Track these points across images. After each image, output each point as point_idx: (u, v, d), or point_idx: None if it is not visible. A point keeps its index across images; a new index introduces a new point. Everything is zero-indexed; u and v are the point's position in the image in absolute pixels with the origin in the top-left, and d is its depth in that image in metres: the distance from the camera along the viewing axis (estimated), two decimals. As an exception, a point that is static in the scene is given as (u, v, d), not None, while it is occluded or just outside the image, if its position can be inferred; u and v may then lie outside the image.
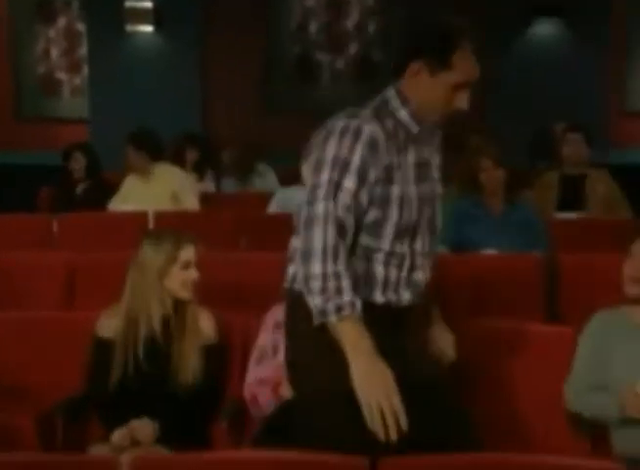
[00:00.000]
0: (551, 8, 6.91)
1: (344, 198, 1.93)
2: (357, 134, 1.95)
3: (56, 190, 5.53)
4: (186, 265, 2.61)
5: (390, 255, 2.01)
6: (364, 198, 1.95)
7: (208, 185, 5.94)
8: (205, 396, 2.59)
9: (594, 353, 2.53)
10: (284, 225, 4.27)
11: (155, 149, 5.09)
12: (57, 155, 5.55)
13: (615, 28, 7.13)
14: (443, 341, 2.24)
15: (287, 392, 2.41)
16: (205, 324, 2.66)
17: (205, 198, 5.32)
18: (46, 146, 7.43)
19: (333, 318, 1.89)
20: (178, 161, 5.65)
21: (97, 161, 5.39)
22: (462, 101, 2.02)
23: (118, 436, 2.43)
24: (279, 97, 7.28)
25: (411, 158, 2.03)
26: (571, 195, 4.67)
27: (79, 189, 5.35)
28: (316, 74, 7.36)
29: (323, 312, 1.90)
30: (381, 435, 1.85)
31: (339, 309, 1.88)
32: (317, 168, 1.95)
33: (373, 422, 1.86)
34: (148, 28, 7.23)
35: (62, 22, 7.98)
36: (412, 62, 2.01)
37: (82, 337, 2.78)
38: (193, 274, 2.61)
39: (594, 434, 2.52)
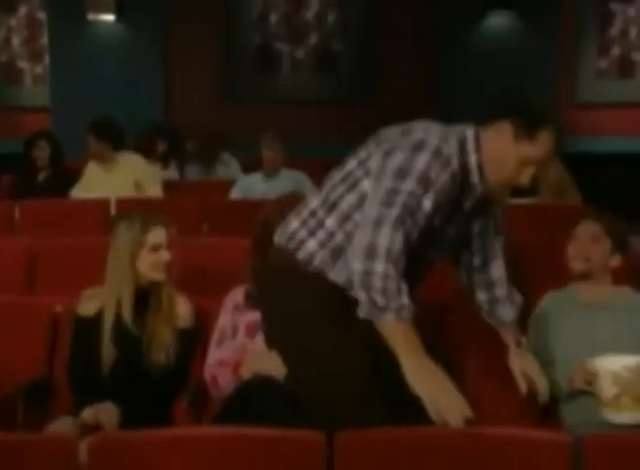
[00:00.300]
0: (504, 1, 7.04)
1: (420, 217, 2.00)
2: (447, 164, 2.02)
3: (18, 178, 5.50)
4: (155, 248, 2.59)
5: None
6: (429, 223, 2.04)
7: (172, 173, 5.95)
8: (176, 377, 2.61)
9: (544, 332, 2.61)
10: (246, 211, 4.36)
11: (117, 138, 5.08)
12: (19, 143, 5.50)
13: (565, 21, 7.27)
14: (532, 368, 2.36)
15: (246, 373, 2.44)
16: (182, 308, 2.66)
17: (168, 186, 5.33)
18: (8, 134, 7.35)
19: (391, 317, 1.95)
20: (148, 151, 5.61)
21: (60, 149, 5.37)
22: (526, 177, 2.08)
23: (87, 414, 2.45)
24: (240, 86, 7.29)
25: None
26: (523, 181, 4.77)
27: (41, 177, 5.33)
28: (276, 64, 7.39)
29: (382, 309, 1.95)
30: (446, 424, 1.93)
31: (399, 310, 1.95)
32: (402, 174, 1.99)
33: (437, 415, 1.93)
34: (109, 17, 7.18)
35: (23, 10, 7.89)
36: (503, 118, 2.07)
37: (43, 321, 2.83)
38: (164, 256, 2.60)
39: (545, 408, 2.57)
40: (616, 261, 2.60)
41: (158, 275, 2.61)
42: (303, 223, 2.15)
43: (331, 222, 2.11)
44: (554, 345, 2.58)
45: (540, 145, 2.05)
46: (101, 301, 2.62)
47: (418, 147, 2.02)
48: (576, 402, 2.48)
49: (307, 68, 7.37)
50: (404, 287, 1.96)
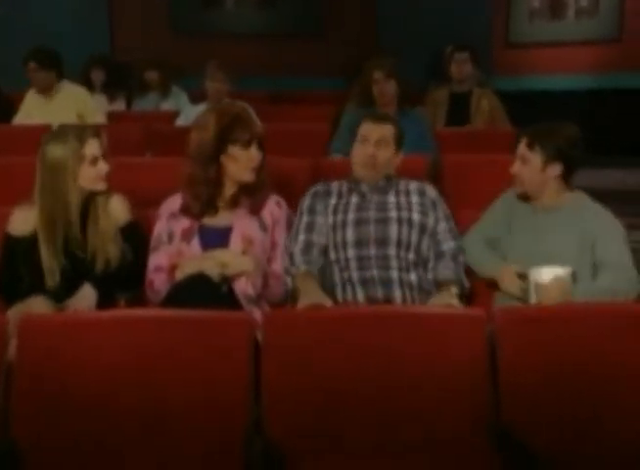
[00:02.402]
0: None
1: None
2: None
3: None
4: (93, 161, 2.52)
5: None
6: None
7: (119, 105, 5.78)
8: (128, 273, 2.57)
9: (500, 220, 2.64)
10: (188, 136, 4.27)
11: (60, 68, 4.88)
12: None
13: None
14: None
15: (180, 274, 2.42)
16: (117, 207, 2.62)
17: (114, 116, 5.16)
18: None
19: None
20: (85, 82, 5.46)
21: None
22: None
23: (15, 309, 2.39)
24: (184, 20, 7.07)
25: None
26: (459, 111, 4.80)
27: None
28: (221, -1, 7.16)
29: None
30: None
31: None
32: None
33: None
34: (52, -53, 6.85)
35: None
36: None
37: None
38: (103, 168, 2.53)
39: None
40: (555, 171, 2.55)
41: (100, 186, 2.55)
42: None
43: None
44: (505, 244, 2.61)
45: None
46: (37, 218, 2.52)
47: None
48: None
49: (251, 2, 7.16)
50: None
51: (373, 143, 2.69)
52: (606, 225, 2.53)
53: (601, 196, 2.72)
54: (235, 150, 2.50)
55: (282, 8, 7.14)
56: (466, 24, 6.60)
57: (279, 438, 1.97)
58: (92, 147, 2.52)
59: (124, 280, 2.57)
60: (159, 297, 2.46)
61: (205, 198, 2.53)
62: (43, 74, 4.73)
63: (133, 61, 6.08)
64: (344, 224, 2.65)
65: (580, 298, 2.32)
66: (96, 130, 2.59)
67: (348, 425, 1.99)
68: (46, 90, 4.78)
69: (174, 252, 2.53)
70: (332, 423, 1.99)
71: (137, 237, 2.65)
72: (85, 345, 1.95)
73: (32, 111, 4.77)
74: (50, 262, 2.48)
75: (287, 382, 2.00)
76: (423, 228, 2.65)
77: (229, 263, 2.42)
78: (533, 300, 2.36)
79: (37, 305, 2.39)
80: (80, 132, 2.53)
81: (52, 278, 2.48)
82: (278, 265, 2.58)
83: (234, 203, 2.57)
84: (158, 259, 2.55)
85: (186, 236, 2.55)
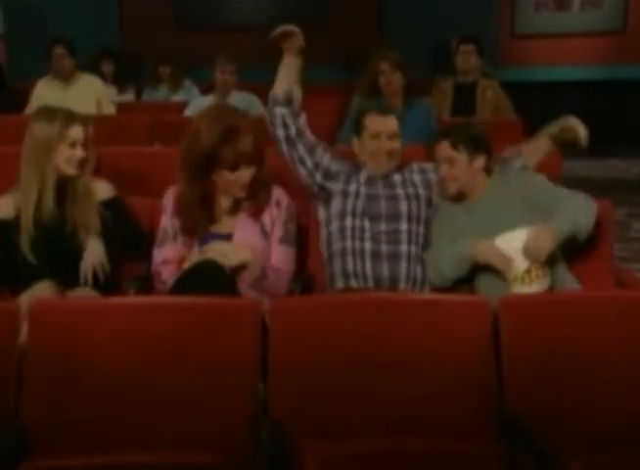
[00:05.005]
0: None
1: None
2: None
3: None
4: (73, 144, 2.56)
5: None
6: None
7: (128, 97, 5.80)
8: (116, 245, 2.61)
9: (444, 231, 2.66)
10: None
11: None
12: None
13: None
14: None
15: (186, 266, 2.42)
16: (99, 185, 2.68)
17: (124, 107, 5.17)
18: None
19: None
20: (95, 73, 5.47)
21: None
22: None
23: (25, 298, 2.39)
24: (192, 12, 7.03)
25: None
26: (464, 101, 4.80)
27: None
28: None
29: None
30: None
31: None
32: None
33: None
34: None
35: None
36: None
37: None
38: (78, 153, 2.57)
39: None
40: (480, 162, 2.63)
41: (70, 170, 2.59)
42: None
43: None
44: (448, 237, 2.62)
45: None
46: (19, 195, 2.57)
47: None
48: (487, 281, 2.53)
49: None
50: None
51: (386, 138, 2.70)
52: (530, 180, 2.61)
53: (605, 186, 2.72)
54: (223, 172, 2.45)
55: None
56: (472, 15, 6.56)
57: (286, 420, 1.97)
58: (75, 131, 2.57)
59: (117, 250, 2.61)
60: (166, 287, 2.45)
61: (197, 219, 2.51)
62: (69, 61, 4.83)
63: (145, 54, 6.08)
64: (357, 195, 2.68)
65: (563, 230, 2.41)
66: (85, 119, 2.65)
67: (354, 408, 1.99)
68: (68, 77, 4.84)
69: (180, 249, 2.53)
70: (338, 406, 1.99)
71: (120, 210, 2.68)
72: (95, 330, 1.96)
73: (47, 99, 4.78)
74: (28, 241, 2.51)
75: (293, 366, 2.00)
76: (429, 202, 2.72)
77: (228, 254, 2.40)
78: (523, 263, 2.38)
79: (42, 291, 2.42)
80: (68, 115, 2.59)
81: (33, 257, 2.50)
82: (277, 261, 2.53)
83: (234, 210, 2.55)
84: (165, 253, 2.55)
85: (187, 244, 2.54)
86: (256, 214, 2.54)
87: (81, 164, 2.58)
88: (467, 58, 4.84)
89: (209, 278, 2.27)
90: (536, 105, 5.67)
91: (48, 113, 2.59)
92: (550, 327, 2.05)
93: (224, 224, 2.54)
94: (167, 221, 2.59)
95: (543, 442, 1.86)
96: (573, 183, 2.99)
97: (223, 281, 2.30)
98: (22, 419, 1.95)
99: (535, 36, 7.49)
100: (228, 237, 2.51)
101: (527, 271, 2.41)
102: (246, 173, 2.46)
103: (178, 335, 1.98)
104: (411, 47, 5.66)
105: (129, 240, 2.68)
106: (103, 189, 2.68)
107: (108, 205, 2.66)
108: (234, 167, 2.44)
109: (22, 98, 4.95)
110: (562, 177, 3.47)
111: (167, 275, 2.49)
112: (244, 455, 1.91)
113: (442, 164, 2.62)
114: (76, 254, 2.55)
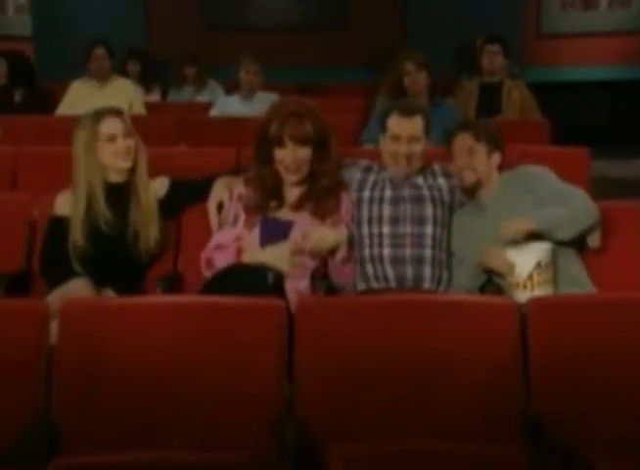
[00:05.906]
0: None
1: None
2: None
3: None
4: (111, 138, 2.54)
5: None
6: None
7: (155, 97, 5.85)
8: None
9: (457, 234, 2.67)
10: (222, 128, 4.31)
11: None
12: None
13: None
14: None
15: (247, 259, 2.46)
16: (154, 184, 2.66)
17: (150, 107, 5.20)
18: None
19: None
20: (121, 74, 5.51)
21: (26, 68, 5.21)
22: None
23: (55, 293, 2.42)
24: (217, 13, 7.05)
25: None
26: (489, 102, 4.76)
27: (17, 97, 5.16)
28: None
29: None
30: None
31: None
32: None
33: None
34: (90, -54, 6.89)
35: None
36: None
37: (23, 216, 2.80)
38: (121, 144, 2.54)
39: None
40: (497, 158, 2.66)
41: (122, 163, 2.57)
42: None
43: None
44: (461, 246, 2.64)
45: None
46: (72, 198, 2.58)
47: None
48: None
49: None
50: None
51: (405, 141, 2.66)
52: (539, 179, 2.61)
53: (632, 186, 2.69)
54: (274, 149, 2.51)
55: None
56: (497, 14, 6.52)
57: (311, 420, 1.98)
58: (106, 126, 2.54)
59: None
60: (214, 274, 2.46)
61: (264, 198, 2.56)
62: (108, 62, 4.93)
63: (170, 55, 6.12)
64: (382, 200, 2.66)
65: (541, 223, 2.44)
66: (114, 111, 2.61)
67: (380, 409, 1.99)
68: (105, 78, 4.91)
69: (237, 235, 2.55)
70: (364, 407, 1.99)
71: (183, 189, 2.67)
72: (124, 329, 1.97)
73: (83, 99, 4.83)
74: (80, 243, 2.52)
75: (320, 366, 2.01)
76: (451, 209, 2.70)
77: (324, 238, 2.44)
78: (526, 269, 2.41)
79: (77, 288, 2.43)
80: (95, 113, 2.57)
81: (83, 258, 2.52)
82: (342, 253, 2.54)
83: (298, 205, 2.57)
84: (220, 237, 2.57)
85: (248, 223, 2.57)
86: (319, 216, 2.57)
87: (128, 153, 2.55)
88: (492, 58, 4.80)
89: (242, 282, 2.27)
90: (562, 105, 5.63)
91: (79, 119, 2.61)
92: (579, 329, 2.04)
93: (287, 213, 2.57)
94: (231, 207, 2.62)
95: (570, 443, 1.85)
96: (605, 185, 2.97)
97: (259, 286, 2.27)
98: (52, 417, 1.97)
99: (562, 36, 7.42)
100: (289, 224, 2.54)
101: (530, 277, 2.40)
102: (290, 153, 2.48)
103: (207, 335, 1.99)
104: (435, 47, 5.64)
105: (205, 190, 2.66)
106: (161, 185, 2.66)
107: (169, 197, 2.65)
108: (280, 144, 2.48)
109: (52, 99, 5.00)
110: (591, 179, 3.43)
111: (219, 262, 2.49)
112: (269, 455, 1.92)
113: (462, 154, 2.62)
114: (128, 262, 2.56)
